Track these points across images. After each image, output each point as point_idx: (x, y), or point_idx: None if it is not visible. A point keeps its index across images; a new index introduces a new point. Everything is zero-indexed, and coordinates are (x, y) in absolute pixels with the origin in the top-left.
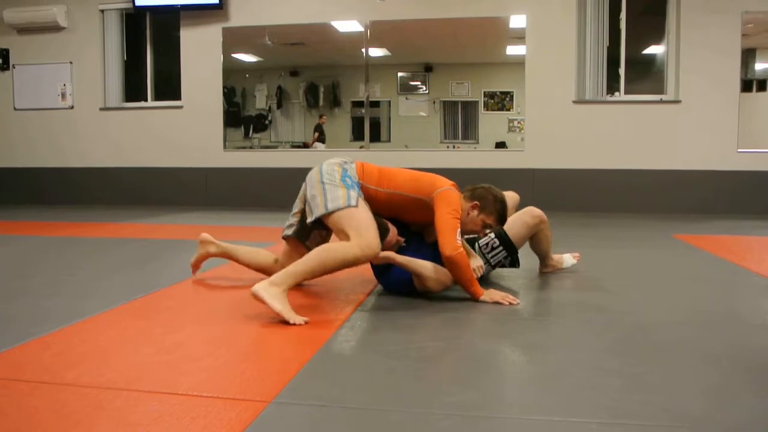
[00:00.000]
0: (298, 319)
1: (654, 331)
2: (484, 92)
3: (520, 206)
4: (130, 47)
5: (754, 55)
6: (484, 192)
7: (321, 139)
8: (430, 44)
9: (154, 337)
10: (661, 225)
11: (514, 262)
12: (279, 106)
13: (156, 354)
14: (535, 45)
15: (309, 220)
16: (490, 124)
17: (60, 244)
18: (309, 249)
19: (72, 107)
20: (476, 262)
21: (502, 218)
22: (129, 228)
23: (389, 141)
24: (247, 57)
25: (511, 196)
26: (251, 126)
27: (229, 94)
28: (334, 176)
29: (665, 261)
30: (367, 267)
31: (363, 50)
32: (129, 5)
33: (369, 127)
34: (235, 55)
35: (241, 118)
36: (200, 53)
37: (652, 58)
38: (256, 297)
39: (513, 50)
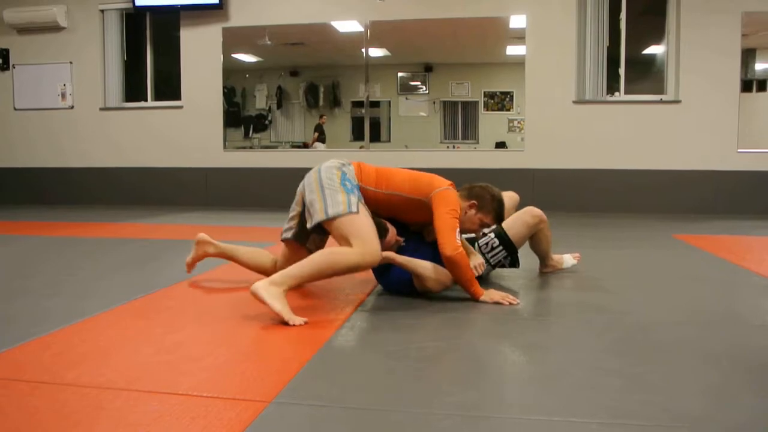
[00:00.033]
0: (297, 320)
1: (654, 331)
2: (484, 92)
3: (519, 206)
4: (130, 47)
5: (754, 55)
6: (482, 191)
7: (321, 139)
8: (430, 44)
9: (154, 337)
10: (661, 225)
11: (514, 262)
12: (279, 106)
13: (156, 354)
14: (535, 45)
15: (309, 225)
16: (490, 124)
17: (60, 244)
18: (309, 250)
19: (72, 107)
20: (476, 260)
21: (499, 217)
22: (129, 228)
23: (389, 141)
24: (247, 57)
25: (510, 196)
26: (251, 126)
27: (229, 94)
28: (333, 180)
29: (665, 261)
30: None
31: (363, 50)
32: (129, 5)
33: (369, 127)
34: (235, 55)
35: (241, 118)
36: (200, 53)
37: (652, 58)
38: (256, 296)
39: (513, 50)
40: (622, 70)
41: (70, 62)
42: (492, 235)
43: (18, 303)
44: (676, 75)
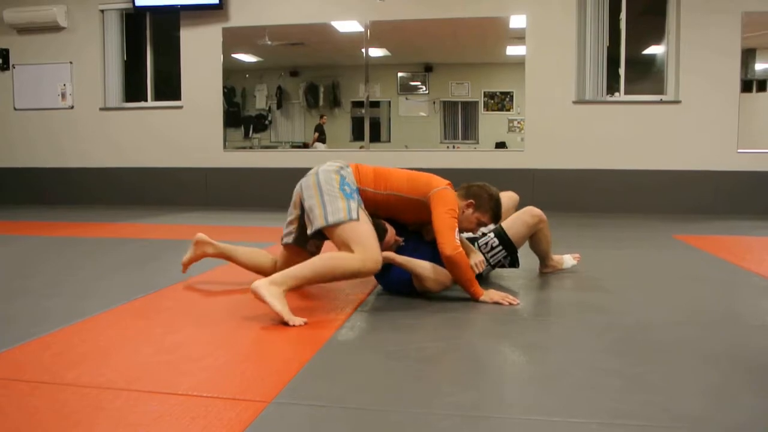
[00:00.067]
0: (297, 320)
1: (654, 331)
2: (484, 92)
3: (519, 206)
4: (130, 47)
5: (754, 55)
6: (479, 190)
7: (321, 139)
8: (430, 44)
9: (154, 337)
10: (661, 225)
11: (513, 262)
12: (279, 106)
13: (156, 354)
14: (535, 45)
15: (310, 231)
16: (490, 124)
17: (60, 244)
18: (311, 253)
19: (72, 107)
20: (476, 258)
21: (496, 216)
22: (129, 228)
23: (389, 141)
24: (247, 57)
25: (510, 196)
26: (251, 126)
27: (229, 94)
28: (332, 185)
29: (665, 261)
30: None
31: (363, 50)
32: (129, 5)
33: (369, 128)
34: (235, 55)
35: (241, 118)
36: (200, 53)
37: (652, 58)
38: (256, 294)
39: (513, 50)
40: (622, 71)
41: (70, 62)
42: (492, 234)
43: (18, 303)
44: (676, 75)
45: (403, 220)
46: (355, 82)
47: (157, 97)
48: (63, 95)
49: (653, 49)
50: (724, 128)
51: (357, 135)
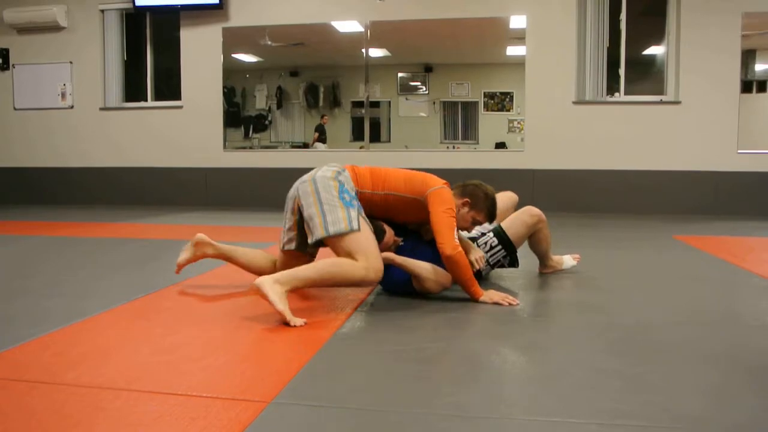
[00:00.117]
0: (297, 321)
1: (654, 331)
2: (484, 93)
3: (519, 207)
4: (130, 47)
5: (754, 55)
6: (475, 189)
7: (322, 139)
8: (430, 45)
9: (154, 338)
10: (661, 226)
11: (513, 262)
12: (279, 106)
13: (156, 354)
14: (535, 45)
15: (310, 240)
16: (490, 124)
17: (60, 244)
18: (311, 255)
19: (72, 107)
20: (476, 254)
21: (491, 215)
22: (129, 228)
23: (389, 141)
24: (247, 57)
25: (509, 196)
26: (251, 126)
27: (229, 94)
28: (331, 193)
29: (665, 262)
30: None
31: (363, 50)
32: (129, 5)
33: (369, 128)
34: (235, 55)
35: (241, 118)
36: (200, 53)
37: (652, 58)
38: (260, 291)
39: (513, 51)
40: (622, 71)
41: (70, 62)
42: (491, 234)
43: (18, 303)
44: (676, 76)
45: (400, 220)
46: (355, 83)
47: (157, 97)
48: (63, 95)
49: (653, 50)
50: (724, 129)
51: (357, 135)
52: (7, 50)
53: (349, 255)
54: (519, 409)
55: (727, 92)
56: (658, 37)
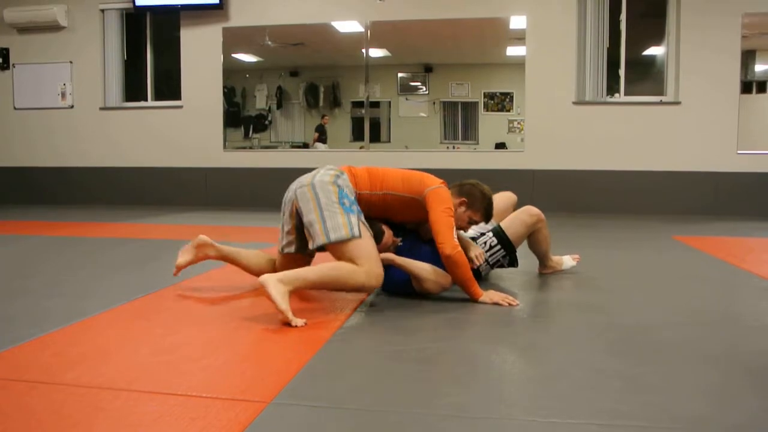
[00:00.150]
0: (298, 321)
1: (654, 331)
2: (484, 93)
3: (518, 207)
4: (130, 47)
5: (754, 56)
6: (472, 188)
7: (322, 139)
8: (430, 45)
9: (154, 338)
10: (661, 226)
11: (512, 262)
12: (279, 106)
13: (155, 354)
14: (535, 46)
15: (311, 246)
16: (490, 124)
17: (60, 244)
18: (309, 255)
19: (72, 107)
20: (476, 250)
21: (488, 215)
22: (129, 228)
23: (389, 141)
24: (247, 57)
25: (508, 196)
26: (251, 126)
27: (229, 94)
28: (330, 198)
29: (665, 262)
30: None
31: (363, 51)
32: (129, 5)
33: (369, 128)
34: (235, 55)
35: (241, 118)
36: (200, 53)
37: (652, 59)
38: (264, 288)
39: (513, 51)
40: (622, 72)
41: (70, 62)
42: (490, 234)
43: (18, 303)
44: (676, 76)
45: (397, 220)
46: (355, 83)
47: (157, 97)
48: (63, 95)
49: (653, 50)
50: (723, 129)
51: (357, 135)
52: (7, 50)
53: (351, 261)
54: (519, 410)
55: (726, 93)
56: (658, 38)
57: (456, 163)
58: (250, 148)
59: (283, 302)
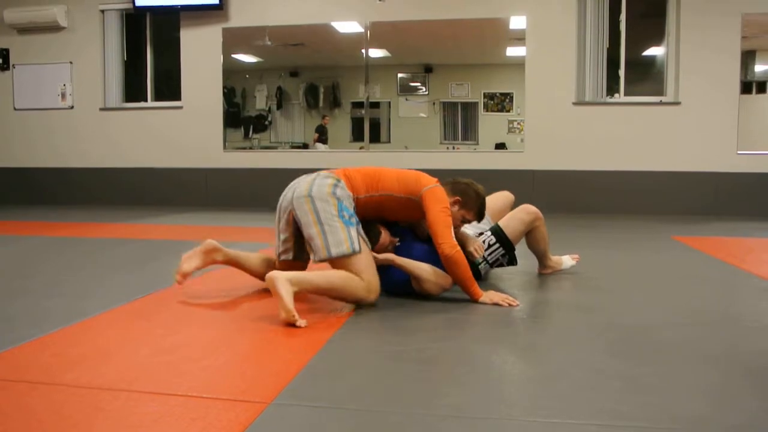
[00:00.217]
0: (302, 321)
1: (653, 332)
2: (484, 93)
3: (516, 206)
4: (130, 47)
5: (754, 56)
6: (466, 188)
7: (322, 139)
8: (430, 45)
9: (154, 338)
10: (661, 226)
11: (511, 260)
12: (279, 106)
13: (155, 355)
14: (535, 46)
15: (313, 260)
16: (490, 125)
17: (60, 244)
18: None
19: (72, 107)
20: (474, 244)
21: (480, 215)
22: (129, 228)
23: (389, 142)
24: (247, 57)
25: (505, 196)
26: (251, 126)
27: (229, 94)
28: (330, 212)
29: (664, 263)
30: None
31: (363, 51)
32: (129, 5)
33: (369, 128)
34: (235, 56)
35: (241, 118)
36: (200, 53)
37: (651, 59)
38: (272, 285)
39: (513, 51)
40: (621, 72)
41: (70, 62)
42: (489, 232)
43: (18, 303)
44: (675, 76)
45: (393, 220)
46: (355, 83)
47: (157, 97)
48: (63, 95)
49: (653, 51)
50: (723, 130)
51: (357, 136)
52: (7, 50)
53: (352, 272)
54: (519, 410)
55: (726, 93)
56: (657, 38)
57: (456, 163)
58: (250, 148)
59: (289, 302)
